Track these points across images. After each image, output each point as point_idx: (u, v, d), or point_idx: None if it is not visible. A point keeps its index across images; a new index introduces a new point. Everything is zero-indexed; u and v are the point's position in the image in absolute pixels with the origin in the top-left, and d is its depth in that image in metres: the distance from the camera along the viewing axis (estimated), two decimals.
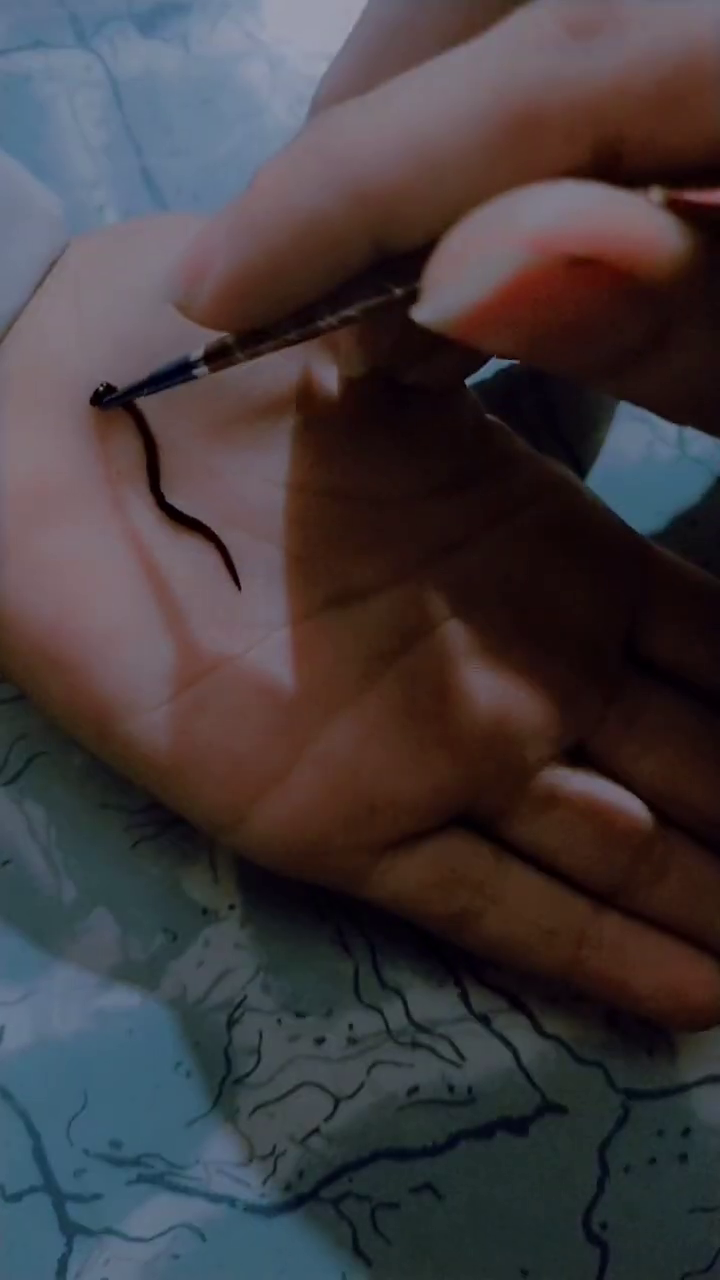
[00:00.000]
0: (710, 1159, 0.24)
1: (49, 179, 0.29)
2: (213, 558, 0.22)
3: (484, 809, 0.24)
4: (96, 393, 0.21)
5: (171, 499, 0.22)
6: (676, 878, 0.24)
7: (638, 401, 0.16)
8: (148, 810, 0.26)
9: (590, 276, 0.12)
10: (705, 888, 0.24)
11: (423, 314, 0.13)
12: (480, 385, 0.28)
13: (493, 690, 0.23)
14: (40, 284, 0.22)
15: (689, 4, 0.13)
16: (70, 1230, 0.24)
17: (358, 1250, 0.24)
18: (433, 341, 0.20)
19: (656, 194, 0.13)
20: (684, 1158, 0.24)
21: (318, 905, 0.26)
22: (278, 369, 0.22)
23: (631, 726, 0.24)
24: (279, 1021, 0.25)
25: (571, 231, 0.12)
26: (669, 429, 0.28)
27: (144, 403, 0.22)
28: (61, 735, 0.26)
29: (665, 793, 0.24)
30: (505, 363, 0.28)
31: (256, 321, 0.17)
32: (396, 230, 0.15)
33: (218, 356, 0.18)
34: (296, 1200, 0.24)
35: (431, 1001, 0.25)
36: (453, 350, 0.21)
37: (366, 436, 0.23)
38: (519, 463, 0.24)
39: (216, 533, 0.22)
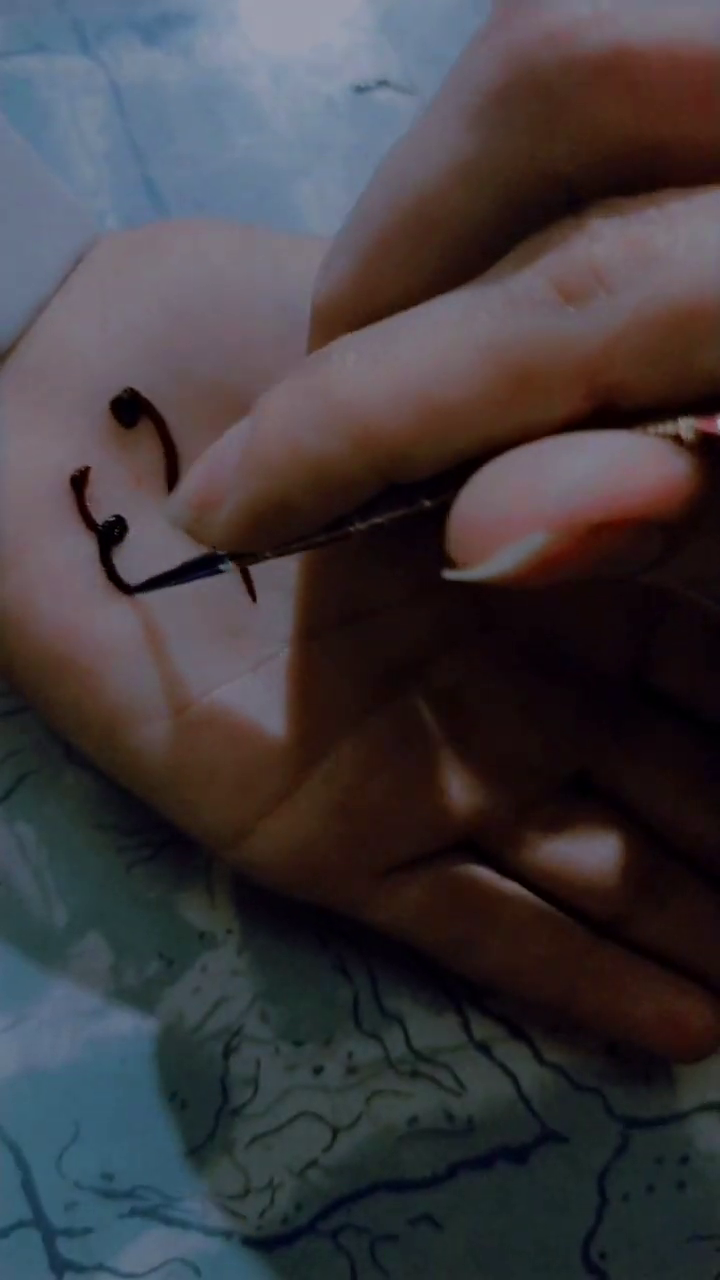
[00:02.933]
0: (708, 1187, 0.24)
1: None
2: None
3: (486, 836, 0.23)
4: (117, 399, 0.21)
5: None
6: (677, 908, 0.24)
7: (654, 585, 0.17)
8: (143, 831, 0.25)
9: (612, 530, 0.13)
10: (706, 919, 0.24)
11: (453, 578, 0.14)
12: None
13: (498, 718, 0.23)
14: (65, 280, 0.22)
15: (669, 260, 0.14)
16: (60, 1267, 0.23)
17: None
18: None
19: (686, 429, 0.14)
20: (682, 1185, 0.24)
21: (318, 930, 0.25)
22: None
23: (636, 757, 0.24)
24: (276, 1050, 0.24)
25: (592, 503, 0.13)
26: None
27: (165, 409, 0.21)
28: (53, 754, 0.25)
29: (668, 823, 0.24)
30: None
31: (268, 546, 0.18)
32: (404, 470, 0.16)
33: (245, 555, 0.18)
34: (294, 1233, 0.24)
35: (432, 1029, 0.25)
36: None
37: None
38: None
39: None
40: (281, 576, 0.22)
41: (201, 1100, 0.24)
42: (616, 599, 0.24)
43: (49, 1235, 0.23)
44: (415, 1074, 0.24)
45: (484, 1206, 0.24)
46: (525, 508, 0.14)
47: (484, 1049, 0.25)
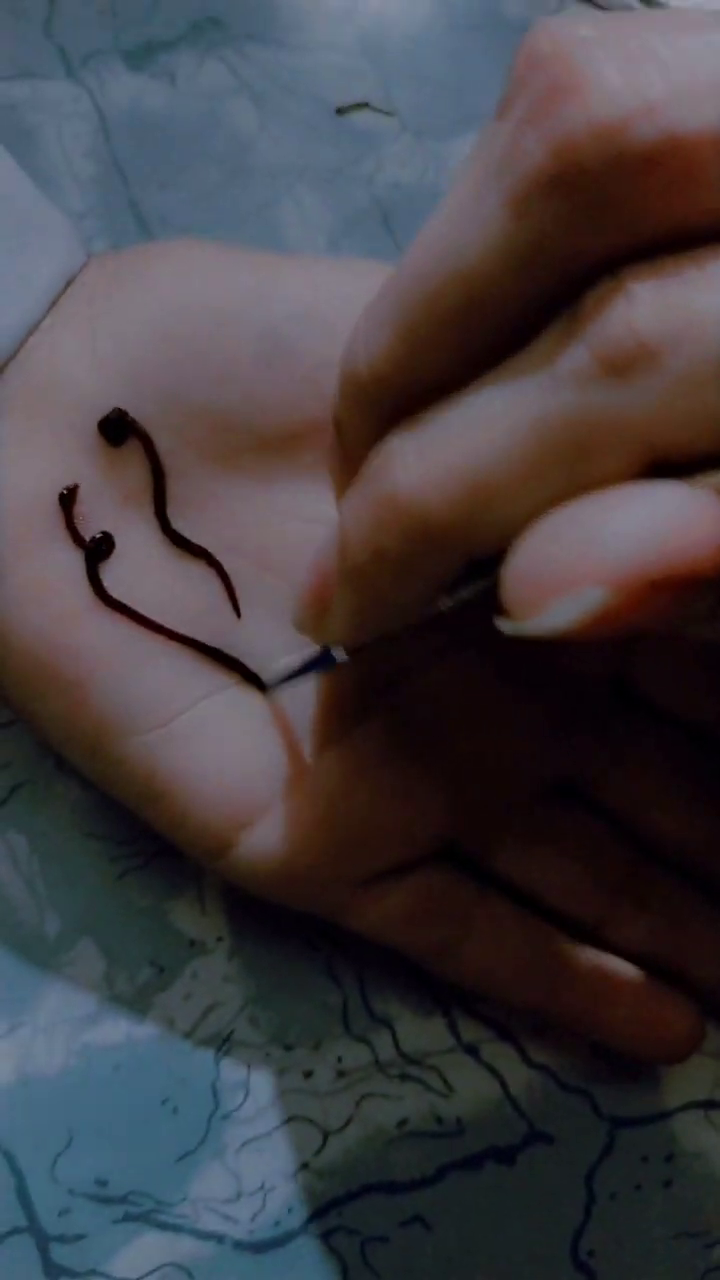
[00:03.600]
0: (693, 1184, 0.25)
1: None
2: (214, 585, 0.23)
3: (469, 842, 0.24)
4: (105, 419, 0.22)
5: (177, 525, 0.22)
6: (656, 911, 0.24)
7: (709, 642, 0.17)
8: (134, 840, 0.26)
9: (668, 587, 0.14)
10: (685, 921, 0.24)
11: (508, 630, 0.15)
12: None
13: (480, 727, 0.24)
14: (56, 301, 0.22)
15: (712, 321, 0.13)
16: (54, 1273, 0.23)
17: None
18: None
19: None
20: (668, 1183, 0.25)
21: (307, 936, 0.25)
22: (289, 405, 0.22)
23: (618, 762, 0.24)
24: (267, 1055, 0.25)
25: (650, 561, 0.13)
26: None
27: (153, 429, 0.22)
28: (45, 765, 0.26)
29: (648, 826, 0.24)
30: None
31: (378, 634, 0.19)
32: (476, 550, 0.16)
33: (359, 650, 0.20)
34: (286, 1236, 0.24)
35: (420, 1032, 0.25)
36: None
37: None
38: None
39: (220, 561, 0.22)
40: (267, 594, 0.23)
41: (193, 1106, 0.24)
42: None
43: (43, 1242, 0.23)
44: (404, 1077, 0.25)
45: (473, 1207, 0.24)
46: (583, 563, 0.14)
47: (472, 1051, 0.25)
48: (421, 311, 0.16)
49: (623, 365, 0.14)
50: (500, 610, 0.15)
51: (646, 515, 0.14)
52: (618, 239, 0.14)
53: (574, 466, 0.15)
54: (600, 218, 0.14)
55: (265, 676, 0.23)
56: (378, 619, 0.18)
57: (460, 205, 0.16)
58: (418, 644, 0.23)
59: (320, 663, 0.21)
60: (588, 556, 0.14)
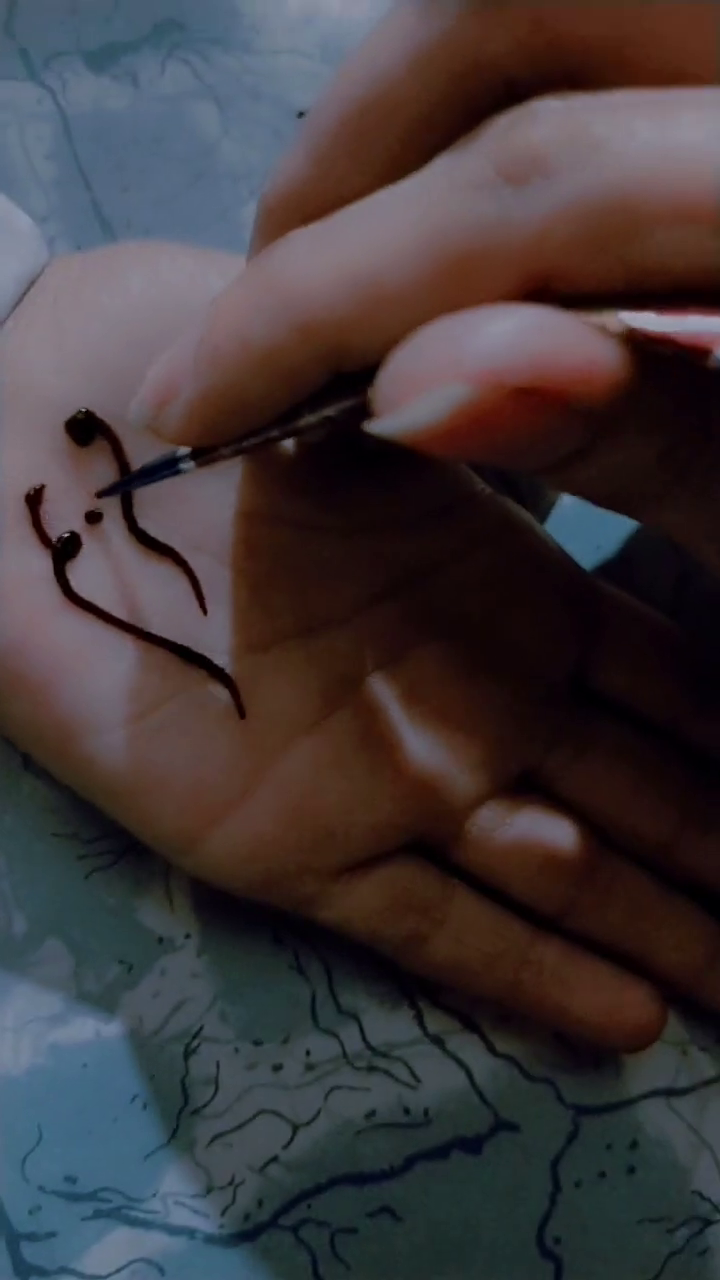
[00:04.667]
0: (656, 1171, 0.25)
1: None
2: (181, 583, 0.23)
3: (435, 836, 0.24)
4: (73, 419, 0.22)
5: (143, 524, 0.22)
6: (620, 901, 0.25)
7: (571, 492, 0.17)
8: (101, 839, 0.26)
9: (533, 402, 0.14)
10: (648, 910, 0.25)
11: (375, 428, 0.15)
12: None
13: (445, 722, 0.24)
14: (18, 303, 0.22)
15: (607, 149, 0.14)
16: (25, 1271, 0.23)
17: (317, 1277, 0.24)
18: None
19: (616, 323, 0.14)
20: (632, 1170, 0.25)
21: (274, 931, 0.26)
22: None
23: (579, 757, 0.25)
24: (236, 1050, 0.25)
25: (514, 364, 0.14)
26: None
27: (121, 428, 0.22)
28: (11, 763, 0.26)
29: (611, 819, 0.25)
30: None
31: (224, 437, 0.18)
32: (347, 358, 0.16)
33: (204, 453, 0.19)
34: (255, 1229, 0.24)
35: (387, 1024, 0.25)
36: None
37: (333, 469, 0.23)
38: (480, 502, 0.25)
39: (186, 559, 0.23)
40: (232, 592, 0.23)
41: (163, 1102, 0.24)
42: (559, 602, 0.25)
43: (13, 1240, 0.23)
44: (372, 1069, 0.25)
45: (441, 1197, 0.25)
46: (449, 361, 0.14)
47: (438, 1042, 0.25)
48: (331, 127, 0.17)
49: (518, 175, 0.14)
50: (369, 414, 0.15)
51: (519, 326, 0.14)
52: (512, 46, 0.15)
53: (462, 279, 0.15)
54: (495, 17, 0.15)
55: (99, 488, 0.22)
56: (226, 419, 0.18)
57: (376, 28, 0.16)
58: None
59: (161, 469, 0.20)
60: (455, 355, 0.14)
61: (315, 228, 0.17)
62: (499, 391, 0.14)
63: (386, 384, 0.14)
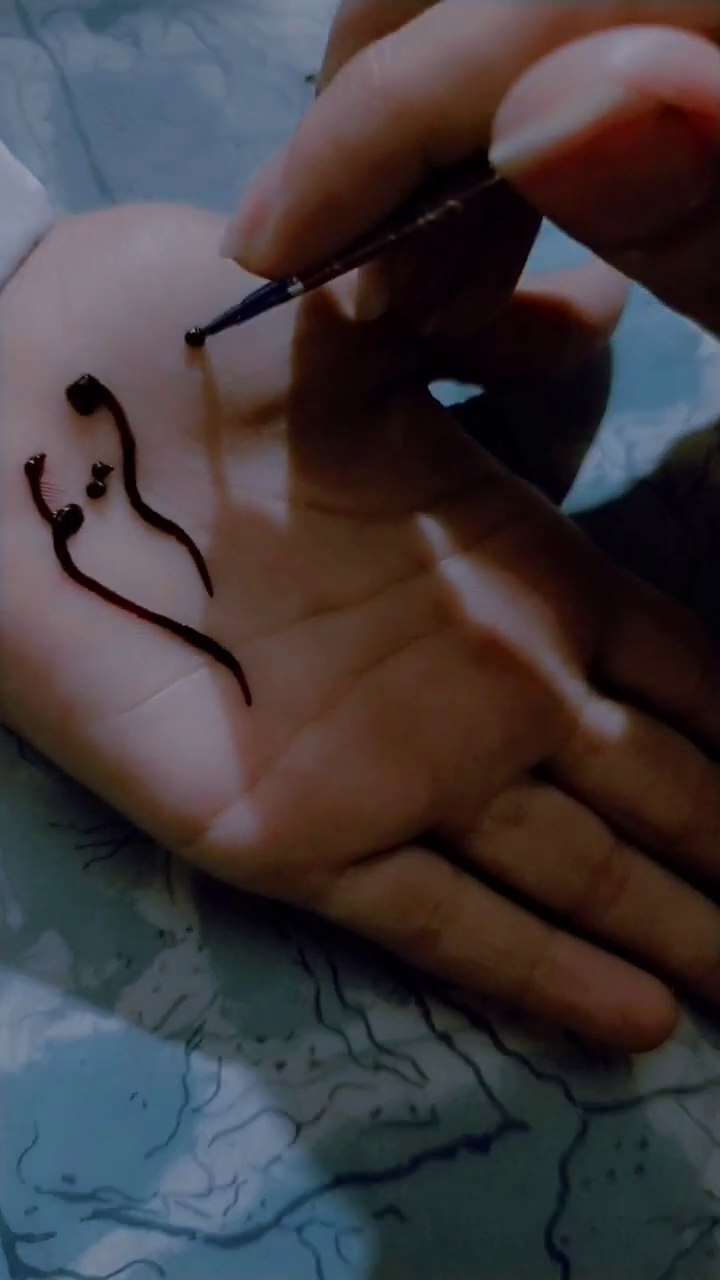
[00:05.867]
0: (665, 1170, 0.25)
1: None
2: (186, 562, 0.22)
3: (448, 827, 0.24)
4: (75, 385, 0.21)
5: (147, 499, 0.22)
6: (633, 895, 0.24)
7: (658, 284, 0.16)
8: (100, 828, 0.25)
9: (676, 128, 0.13)
10: (661, 905, 0.24)
11: (502, 151, 0.13)
12: None
13: (461, 708, 0.23)
14: (21, 263, 0.21)
15: None
16: (21, 1273, 0.23)
17: (321, 1278, 0.23)
18: (455, 275, 0.20)
19: None
20: (640, 1169, 0.25)
21: (278, 925, 0.25)
22: (263, 377, 0.21)
23: (595, 746, 0.24)
24: (239, 1047, 0.24)
25: (668, 75, 0.12)
26: (618, 450, 0.29)
27: (125, 398, 0.21)
28: (7, 750, 0.25)
29: (626, 811, 0.24)
30: (464, 389, 0.28)
31: (323, 255, 0.17)
32: (447, 141, 0.15)
33: (312, 275, 0.18)
34: (258, 1230, 0.23)
35: (393, 1021, 0.25)
36: (475, 288, 0.20)
37: (349, 451, 0.23)
38: (497, 484, 0.24)
39: (191, 537, 0.22)
40: (241, 571, 0.22)
41: (163, 1099, 0.24)
42: (578, 587, 0.24)
43: (9, 1241, 0.23)
44: (378, 1066, 0.25)
45: (448, 1197, 0.24)
46: (597, 62, 0.13)
47: (445, 1039, 0.25)
48: None
49: None
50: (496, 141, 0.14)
51: (675, 43, 0.13)
52: None
53: (560, 41, 0.14)
54: None
55: (196, 326, 0.21)
56: (322, 231, 0.17)
57: None
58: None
59: (270, 295, 0.19)
60: (606, 62, 0.13)
61: (398, 33, 0.16)
62: (648, 103, 0.12)
63: (516, 100, 0.13)
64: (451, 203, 0.16)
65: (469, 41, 0.14)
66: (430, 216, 0.16)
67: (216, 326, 0.20)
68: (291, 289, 0.18)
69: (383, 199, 0.16)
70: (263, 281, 0.19)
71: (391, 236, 0.17)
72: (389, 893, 0.23)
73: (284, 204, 0.16)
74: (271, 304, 0.19)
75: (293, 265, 0.17)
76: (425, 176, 0.16)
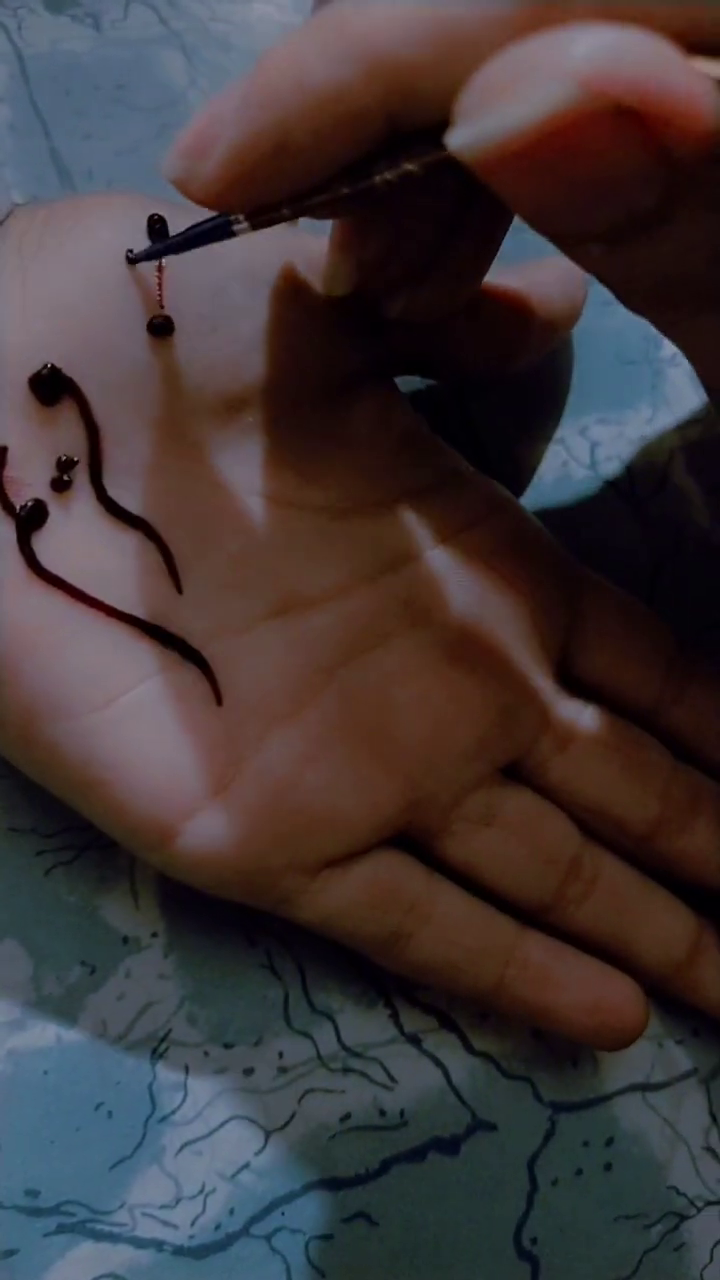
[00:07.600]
0: (632, 1167, 0.25)
1: None
2: (154, 559, 0.21)
3: (419, 827, 0.23)
4: (37, 375, 0.20)
5: (114, 493, 0.21)
6: (603, 894, 0.24)
7: (616, 280, 0.16)
8: (62, 833, 0.24)
9: (629, 129, 0.13)
10: (630, 904, 0.24)
11: (459, 137, 0.13)
12: None
13: (432, 708, 0.23)
14: None
15: None
16: None
17: None
18: (424, 258, 0.19)
19: (714, 67, 0.13)
20: (608, 1167, 0.25)
21: (246, 929, 0.25)
22: (233, 369, 0.21)
23: (564, 745, 0.24)
24: (206, 1054, 0.24)
25: (624, 76, 0.12)
26: (582, 450, 0.29)
27: (89, 389, 0.20)
28: None
29: (594, 810, 0.24)
30: (426, 383, 0.28)
31: (257, 201, 0.16)
32: (413, 105, 0.15)
33: (264, 212, 0.17)
34: (228, 1239, 0.23)
35: (362, 1024, 0.25)
36: (444, 274, 0.20)
37: (317, 445, 0.22)
38: (464, 482, 0.24)
39: (160, 533, 0.21)
40: (209, 568, 0.22)
41: (128, 1109, 0.23)
42: (546, 586, 0.24)
43: None
44: (347, 1070, 0.24)
45: (418, 1200, 0.24)
46: (553, 59, 0.13)
47: (414, 1041, 0.25)
48: None
49: None
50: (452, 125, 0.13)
51: (631, 43, 0.13)
52: None
53: (546, 22, 0.13)
54: None
55: (131, 250, 0.20)
56: (268, 170, 0.16)
57: None
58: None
59: (213, 230, 0.18)
60: (561, 58, 0.13)
61: None
62: (601, 101, 0.12)
63: (478, 87, 0.13)
64: (410, 166, 0.15)
65: (453, 10, 0.14)
66: (387, 176, 0.16)
67: (153, 254, 0.19)
68: (237, 228, 0.17)
69: (338, 152, 0.15)
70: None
71: (345, 190, 0.16)
72: (363, 895, 0.23)
73: (234, 135, 0.16)
74: (214, 239, 0.18)
75: (234, 201, 0.16)
76: (386, 136, 0.15)
